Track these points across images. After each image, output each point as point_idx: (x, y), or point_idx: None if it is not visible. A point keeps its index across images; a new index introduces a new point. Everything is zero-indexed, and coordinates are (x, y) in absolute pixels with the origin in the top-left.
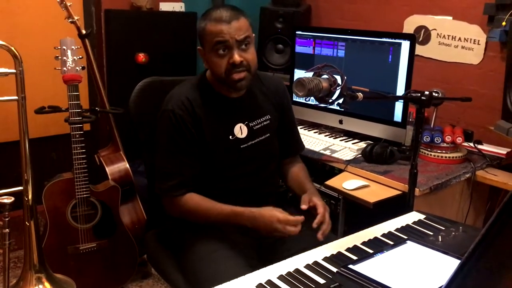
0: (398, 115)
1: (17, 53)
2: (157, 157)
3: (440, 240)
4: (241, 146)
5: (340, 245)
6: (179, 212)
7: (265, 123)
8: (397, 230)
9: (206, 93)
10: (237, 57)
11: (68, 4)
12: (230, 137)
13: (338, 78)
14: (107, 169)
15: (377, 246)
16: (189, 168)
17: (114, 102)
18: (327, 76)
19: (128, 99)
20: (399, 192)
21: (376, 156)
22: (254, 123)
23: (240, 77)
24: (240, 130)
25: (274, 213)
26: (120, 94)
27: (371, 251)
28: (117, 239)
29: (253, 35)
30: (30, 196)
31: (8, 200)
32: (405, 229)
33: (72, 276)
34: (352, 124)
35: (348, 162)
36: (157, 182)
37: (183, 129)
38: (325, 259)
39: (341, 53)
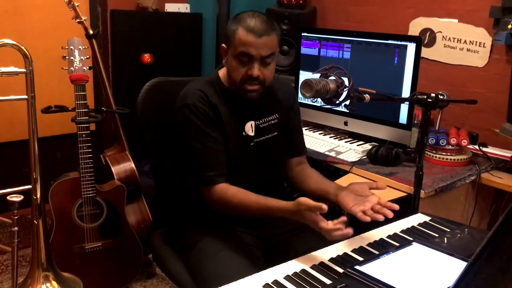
0: (403, 117)
1: (27, 53)
2: (190, 151)
3: (445, 241)
4: (251, 144)
5: (346, 246)
6: (221, 201)
7: (272, 122)
8: (402, 231)
9: (219, 90)
10: (255, 71)
11: (76, 4)
12: (243, 133)
13: (345, 79)
14: (113, 168)
15: (383, 247)
16: (223, 156)
17: (119, 102)
18: (334, 78)
19: (133, 99)
20: (404, 194)
21: (381, 158)
22: (261, 121)
23: (252, 88)
24: (251, 128)
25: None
26: (125, 94)
27: (377, 252)
28: (122, 238)
29: (278, 50)
30: (38, 195)
31: (17, 198)
32: (410, 230)
33: (77, 275)
34: (357, 125)
35: (353, 163)
36: (194, 175)
37: (208, 120)
38: (331, 260)
39: (347, 54)
